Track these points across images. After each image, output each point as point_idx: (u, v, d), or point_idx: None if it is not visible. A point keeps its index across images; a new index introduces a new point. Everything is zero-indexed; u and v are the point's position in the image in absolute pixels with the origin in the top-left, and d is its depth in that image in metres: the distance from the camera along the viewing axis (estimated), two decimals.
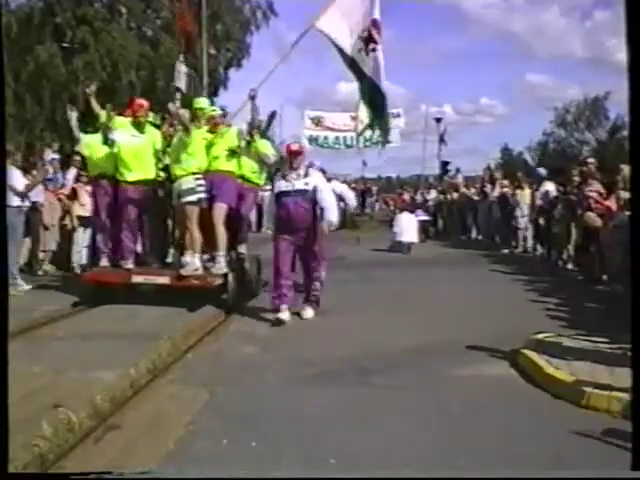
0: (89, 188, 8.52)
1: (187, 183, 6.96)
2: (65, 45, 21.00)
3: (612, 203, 8.64)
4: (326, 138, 19.53)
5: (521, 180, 13.64)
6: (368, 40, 8.04)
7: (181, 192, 6.99)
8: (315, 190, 6.46)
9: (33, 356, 4.75)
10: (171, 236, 7.90)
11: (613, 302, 7.10)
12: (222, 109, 8.34)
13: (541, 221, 11.98)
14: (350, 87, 35.38)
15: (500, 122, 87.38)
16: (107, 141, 7.30)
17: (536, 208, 12.22)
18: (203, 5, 13.67)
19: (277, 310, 6.40)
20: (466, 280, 9.57)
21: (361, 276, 9.64)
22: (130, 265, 7.27)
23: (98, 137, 7.43)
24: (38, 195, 8.54)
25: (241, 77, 24.87)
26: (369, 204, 27.37)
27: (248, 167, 7.42)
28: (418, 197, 20.96)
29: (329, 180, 8.46)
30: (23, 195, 7.71)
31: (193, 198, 6.94)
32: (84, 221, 9.14)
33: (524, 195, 13.02)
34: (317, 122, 19.66)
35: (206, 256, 7.16)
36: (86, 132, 7.66)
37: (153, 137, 7.48)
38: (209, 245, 7.14)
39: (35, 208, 8.53)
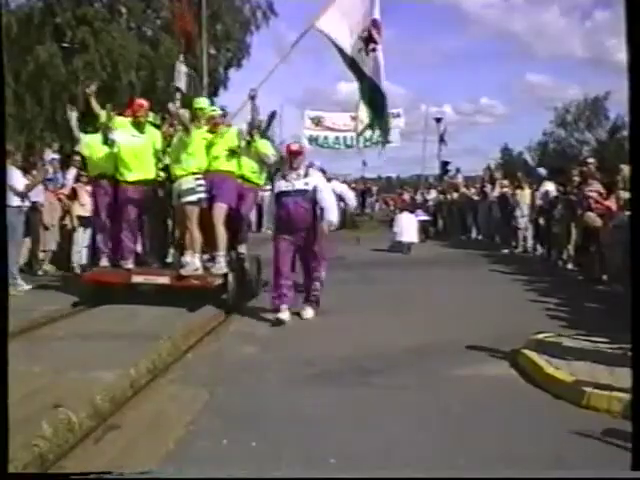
0: (89, 188, 8.52)
1: (187, 183, 6.95)
2: (65, 45, 21.00)
3: (612, 203, 8.64)
4: (326, 138, 19.53)
5: (521, 180, 13.64)
6: (368, 40, 8.04)
7: (181, 192, 6.99)
8: (315, 190, 6.46)
9: (33, 356, 4.75)
10: (171, 236, 7.90)
11: (613, 302, 7.10)
12: (222, 109, 8.34)
13: (541, 221, 11.98)
14: (350, 87, 35.38)
15: (500, 122, 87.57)
16: (107, 141, 7.30)
17: (536, 208, 12.22)
18: (203, 5, 13.71)
19: (277, 310, 6.40)
20: (466, 280, 9.57)
21: (361, 276, 9.64)
22: (130, 265, 7.27)
23: (98, 137, 7.43)
24: (38, 195, 8.54)
25: (241, 77, 24.94)
26: (369, 204, 27.37)
27: (248, 167, 7.42)
28: (418, 197, 20.96)
29: (329, 180, 8.46)
30: (23, 195, 7.71)
31: (193, 198, 6.94)
32: (84, 221, 9.14)
33: (524, 195, 13.02)
34: (317, 122, 19.66)
35: (206, 256, 7.16)
36: (86, 132, 7.66)
37: (153, 137, 7.48)
38: (209, 245, 7.13)
39: (35, 208, 8.53)
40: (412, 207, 16.13)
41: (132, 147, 7.28)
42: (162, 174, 7.50)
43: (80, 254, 9.30)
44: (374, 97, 8.25)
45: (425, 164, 27.48)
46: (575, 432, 3.48)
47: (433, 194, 20.39)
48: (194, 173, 6.97)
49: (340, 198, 8.01)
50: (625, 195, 7.90)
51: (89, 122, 7.72)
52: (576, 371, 4.35)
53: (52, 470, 2.99)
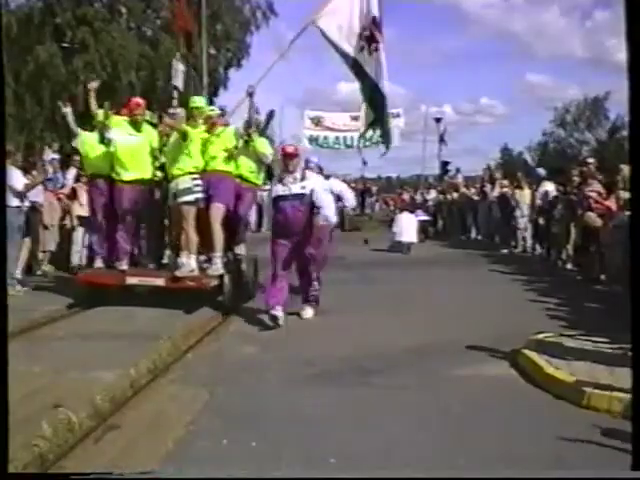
0: None
1: (184, 183, 6.87)
2: (65, 45, 21.01)
3: (612, 203, 8.64)
4: (326, 138, 19.55)
5: (521, 180, 13.63)
6: (370, 39, 8.02)
7: (178, 192, 6.89)
8: (312, 193, 6.44)
9: (33, 356, 4.74)
10: (168, 237, 7.84)
11: (613, 302, 7.10)
12: (221, 109, 8.29)
13: (541, 221, 11.98)
14: (350, 87, 35.43)
15: (500, 122, 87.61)
16: (104, 140, 7.25)
17: (536, 208, 12.22)
18: (203, 5, 13.69)
19: (271, 309, 6.35)
20: (466, 280, 9.57)
21: (361, 276, 9.64)
22: (125, 266, 7.16)
23: (95, 136, 7.37)
24: (38, 195, 8.52)
25: (241, 77, 24.95)
26: (369, 204, 27.33)
27: (246, 167, 7.32)
28: (418, 197, 20.98)
29: (327, 177, 8.34)
30: (23, 195, 7.70)
31: (190, 198, 6.85)
32: (84, 221, 9.12)
33: (524, 195, 13.02)
34: (317, 122, 19.69)
35: (203, 257, 7.09)
36: (84, 130, 7.63)
37: (150, 136, 7.41)
38: (206, 246, 7.04)
39: (35, 208, 8.51)
40: (412, 207, 16.15)
41: (129, 146, 7.22)
42: (159, 173, 7.43)
43: (80, 254, 9.29)
44: (374, 97, 8.24)
45: (425, 164, 27.61)
46: (575, 432, 3.48)
47: (433, 194, 20.40)
48: (191, 173, 6.89)
49: (338, 198, 7.93)
50: (625, 195, 7.90)
51: (87, 122, 7.69)
52: (576, 371, 4.36)
53: (52, 470, 3.00)
